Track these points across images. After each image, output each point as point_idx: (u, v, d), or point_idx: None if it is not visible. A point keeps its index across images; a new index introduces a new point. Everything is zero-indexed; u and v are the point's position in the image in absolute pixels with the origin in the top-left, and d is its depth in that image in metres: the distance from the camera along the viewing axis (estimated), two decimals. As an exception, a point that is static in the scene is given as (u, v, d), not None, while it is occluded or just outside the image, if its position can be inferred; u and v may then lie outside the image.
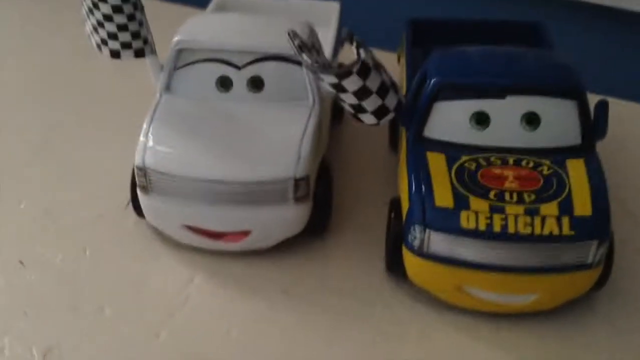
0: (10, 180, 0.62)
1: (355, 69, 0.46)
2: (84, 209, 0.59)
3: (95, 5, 0.51)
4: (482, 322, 0.50)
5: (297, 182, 0.51)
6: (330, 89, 0.48)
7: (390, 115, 0.50)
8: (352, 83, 0.46)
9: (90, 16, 0.53)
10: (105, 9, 0.51)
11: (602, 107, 0.52)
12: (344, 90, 0.47)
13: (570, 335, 0.49)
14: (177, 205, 0.51)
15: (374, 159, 0.66)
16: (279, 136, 0.52)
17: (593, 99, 0.52)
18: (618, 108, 0.71)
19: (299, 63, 0.52)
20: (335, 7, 0.72)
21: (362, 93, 0.47)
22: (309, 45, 0.48)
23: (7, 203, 0.60)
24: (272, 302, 0.51)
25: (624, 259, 0.54)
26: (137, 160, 0.51)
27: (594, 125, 0.51)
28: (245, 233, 0.52)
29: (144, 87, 0.59)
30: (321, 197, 0.54)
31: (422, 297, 0.51)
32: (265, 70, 0.55)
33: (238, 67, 0.55)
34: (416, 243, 0.48)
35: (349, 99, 0.48)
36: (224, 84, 0.55)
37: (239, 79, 0.55)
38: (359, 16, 0.80)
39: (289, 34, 0.47)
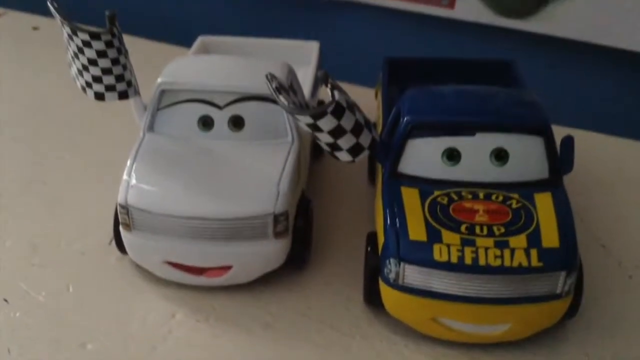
0: (-4, 218, 0.63)
1: (329, 110, 0.47)
2: (67, 246, 0.60)
3: (81, 50, 0.53)
4: (458, 352, 0.51)
5: (276, 217, 0.52)
6: (307, 129, 0.50)
7: (365, 153, 0.51)
8: (327, 123, 0.48)
9: (76, 60, 0.55)
10: (90, 53, 0.53)
11: (568, 142, 0.54)
12: (319, 129, 0.49)
13: (543, 364, 0.50)
14: (159, 242, 0.53)
15: (353, 192, 0.68)
16: (259, 173, 0.54)
17: (565, 132, 0.54)
18: (589, 139, 0.74)
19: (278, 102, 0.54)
20: (315, 46, 0.75)
21: (337, 132, 0.49)
22: (286, 87, 0.50)
23: (-8, 241, 0.61)
24: (253, 336, 0.52)
25: (595, 288, 0.56)
26: (120, 198, 0.53)
27: (560, 160, 0.53)
28: (226, 268, 0.53)
29: (129, 124, 0.61)
30: (301, 231, 0.56)
31: (400, 328, 0.52)
32: (246, 109, 0.57)
33: (219, 107, 0.57)
34: (392, 276, 0.49)
35: (324, 138, 0.50)
36: (206, 123, 0.57)
37: (220, 118, 0.57)
38: (339, 54, 0.83)
39: (266, 77, 0.49)
